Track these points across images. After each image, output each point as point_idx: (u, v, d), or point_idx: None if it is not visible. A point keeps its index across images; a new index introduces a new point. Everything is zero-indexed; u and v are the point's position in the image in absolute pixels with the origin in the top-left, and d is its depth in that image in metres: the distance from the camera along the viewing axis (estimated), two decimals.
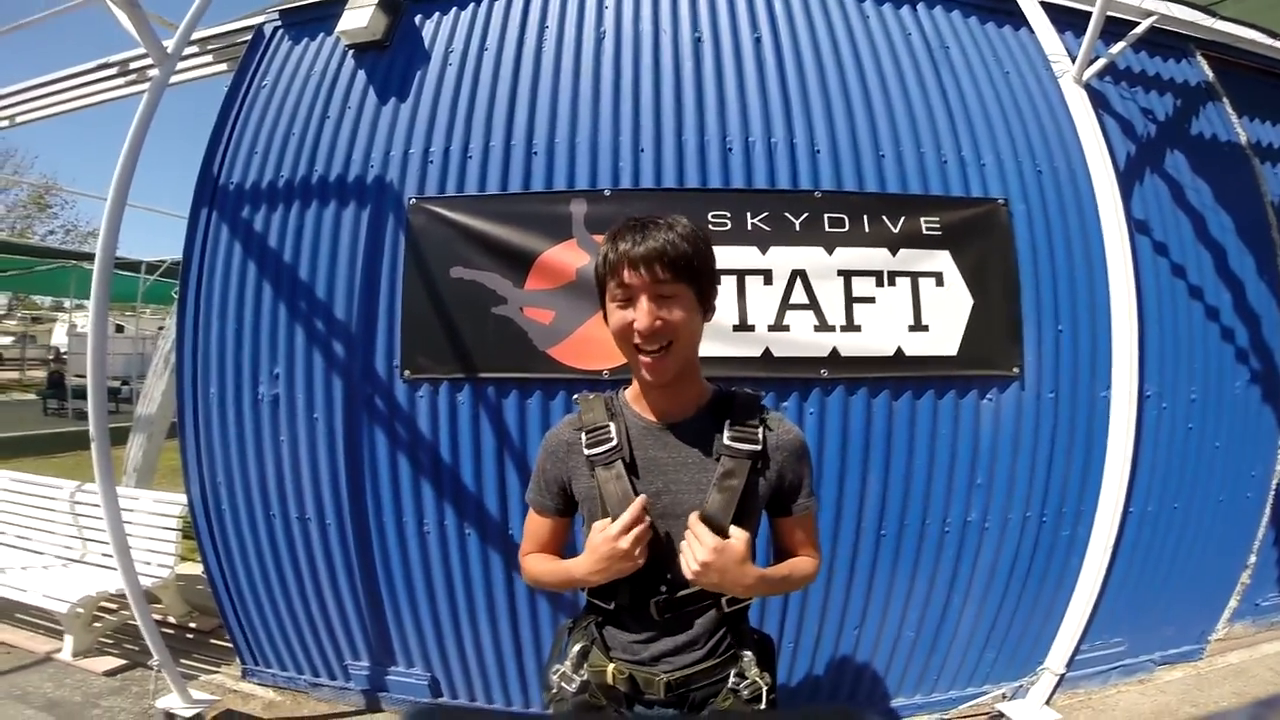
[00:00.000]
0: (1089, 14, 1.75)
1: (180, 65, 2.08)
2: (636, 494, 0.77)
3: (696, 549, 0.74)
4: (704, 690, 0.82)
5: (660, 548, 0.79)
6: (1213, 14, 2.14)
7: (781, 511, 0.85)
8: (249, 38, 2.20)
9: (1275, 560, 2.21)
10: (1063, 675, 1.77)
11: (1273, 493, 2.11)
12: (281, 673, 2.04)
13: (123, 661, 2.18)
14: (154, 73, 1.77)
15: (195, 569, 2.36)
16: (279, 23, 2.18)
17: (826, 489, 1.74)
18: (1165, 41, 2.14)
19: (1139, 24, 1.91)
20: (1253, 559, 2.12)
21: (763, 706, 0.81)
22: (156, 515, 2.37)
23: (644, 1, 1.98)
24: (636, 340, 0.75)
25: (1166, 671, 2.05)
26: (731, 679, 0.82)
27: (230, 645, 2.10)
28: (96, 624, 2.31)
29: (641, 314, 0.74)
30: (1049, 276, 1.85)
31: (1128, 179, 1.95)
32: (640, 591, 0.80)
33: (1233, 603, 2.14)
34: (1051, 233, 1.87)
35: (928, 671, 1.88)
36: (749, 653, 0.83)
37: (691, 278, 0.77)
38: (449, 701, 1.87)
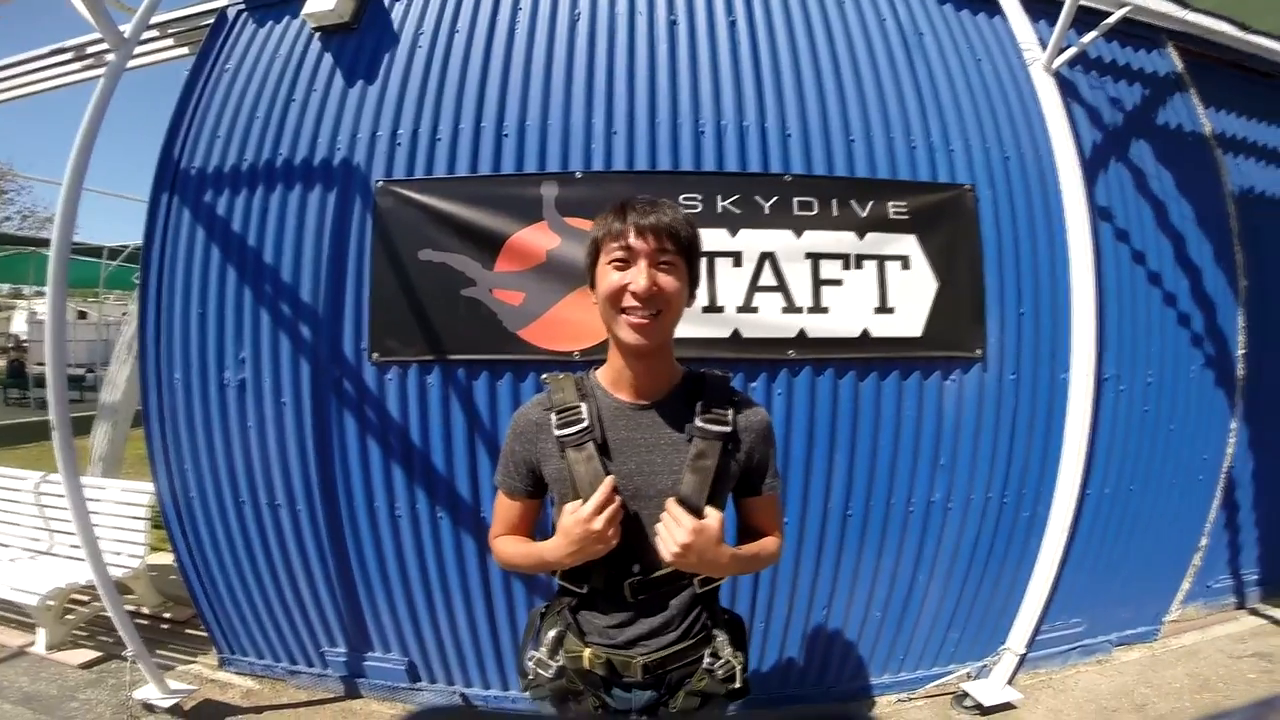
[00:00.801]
0: (1063, 2, 1.76)
1: (139, 49, 2.02)
2: (608, 474, 0.77)
3: (676, 531, 0.74)
4: (680, 671, 0.83)
5: (633, 529, 0.79)
6: (1185, 5, 2.17)
7: (750, 492, 0.86)
8: (211, 21, 2.14)
9: (1226, 543, 2.29)
10: (1024, 655, 1.82)
11: (1223, 476, 2.18)
12: (259, 661, 2.04)
13: (98, 653, 2.15)
14: (111, 57, 1.72)
15: (167, 558, 2.34)
16: (242, 5, 2.12)
17: (794, 469, 1.77)
18: (1137, 32, 2.17)
19: (1112, 13, 1.93)
20: (1204, 541, 2.20)
21: (737, 685, 0.83)
22: (124, 505, 2.33)
23: None
24: (628, 303, 0.75)
25: (1124, 652, 2.12)
26: (706, 659, 0.83)
27: (206, 635, 2.09)
28: (69, 616, 2.28)
29: (641, 275, 0.75)
30: (1013, 260, 1.88)
31: (1093, 167, 1.98)
32: (614, 574, 0.81)
33: (1185, 585, 2.22)
34: (1016, 218, 1.90)
35: (895, 651, 1.93)
36: (722, 633, 0.85)
37: (689, 257, 0.79)
38: (450, 704, 1.88)
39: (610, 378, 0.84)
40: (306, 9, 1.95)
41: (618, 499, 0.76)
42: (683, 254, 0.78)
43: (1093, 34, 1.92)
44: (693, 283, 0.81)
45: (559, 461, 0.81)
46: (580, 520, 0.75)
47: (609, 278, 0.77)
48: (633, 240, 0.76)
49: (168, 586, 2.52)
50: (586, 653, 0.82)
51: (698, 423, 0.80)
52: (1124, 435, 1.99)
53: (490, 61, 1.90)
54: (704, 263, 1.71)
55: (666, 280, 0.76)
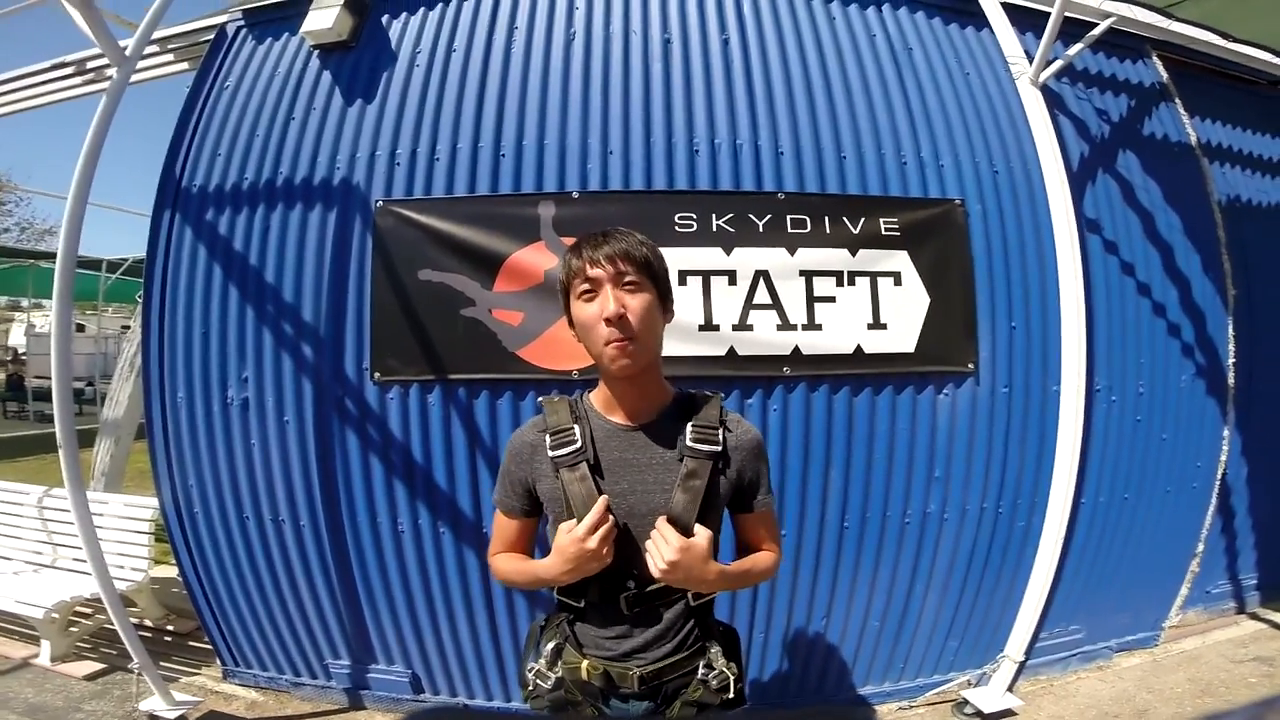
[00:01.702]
0: (1049, 15, 1.78)
1: (140, 64, 2.04)
2: (601, 494, 0.80)
3: (663, 549, 0.77)
4: (675, 682, 0.85)
5: (627, 546, 0.81)
6: (1169, 15, 2.20)
7: (742, 509, 0.89)
8: (211, 37, 2.16)
9: (1223, 549, 2.30)
10: (1023, 662, 1.84)
11: (1218, 483, 2.19)
12: (263, 673, 2.05)
13: (102, 665, 2.17)
14: (112, 73, 1.74)
15: (169, 572, 2.36)
16: (242, 22, 2.14)
17: (790, 484, 1.79)
18: (1122, 43, 2.19)
19: (1097, 25, 1.96)
20: (1201, 547, 2.21)
21: (730, 695, 0.85)
22: (127, 519, 2.35)
23: (614, 3, 1.98)
24: (603, 331, 0.77)
25: (1124, 658, 2.13)
26: (700, 670, 0.85)
27: (210, 647, 2.11)
28: (73, 628, 2.30)
29: (608, 300, 0.77)
30: (1003, 274, 1.91)
31: (1080, 179, 2.01)
32: (609, 588, 0.83)
33: (1184, 590, 2.22)
34: (1006, 232, 1.93)
35: (894, 660, 1.95)
36: (716, 645, 0.87)
37: (651, 276, 0.81)
38: (450, 703, 1.90)
39: (602, 401, 0.87)
40: (305, 26, 1.97)
41: (611, 518, 0.79)
42: (643, 272, 0.80)
43: (1078, 46, 1.95)
44: (663, 298, 0.84)
45: (553, 481, 0.84)
46: (576, 539, 0.77)
47: (582, 312, 0.80)
48: (591, 271, 0.79)
49: (170, 599, 2.53)
50: (584, 664, 0.84)
51: (688, 442, 0.82)
52: (1116, 445, 2.01)
53: (487, 81, 1.92)
54: (700, 281, 1.75)
55: (634, 301, 0.78)
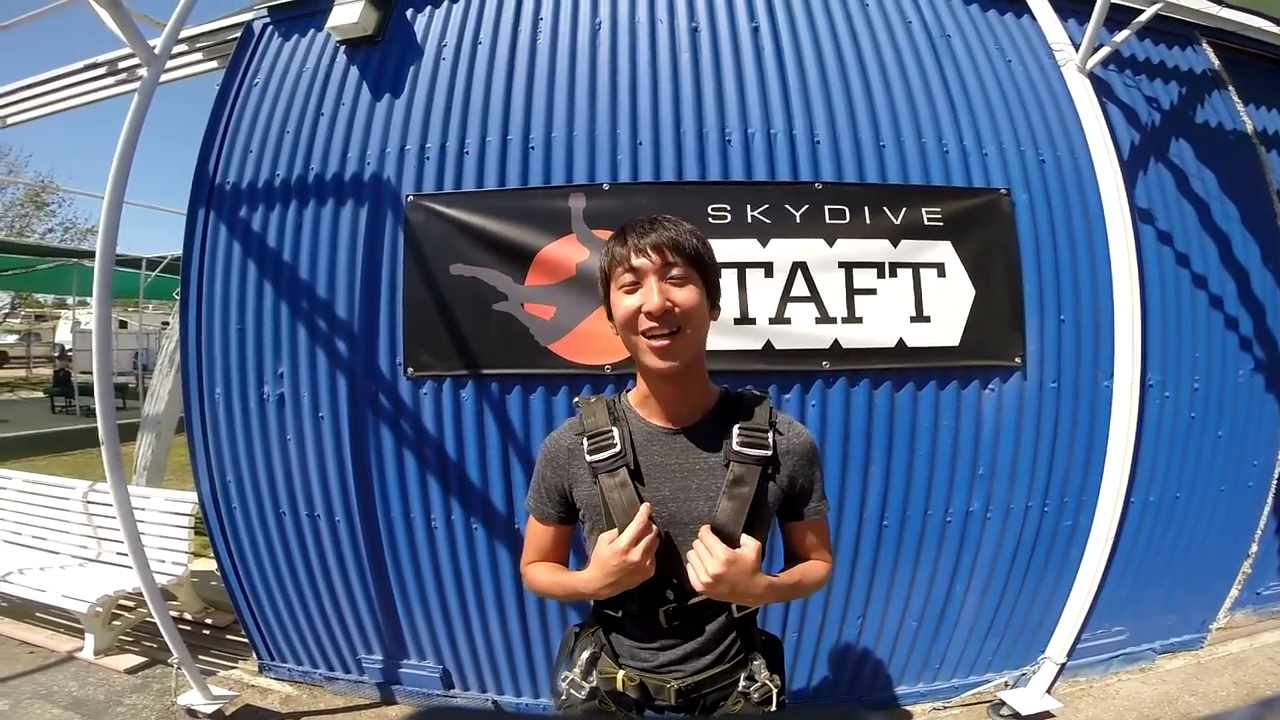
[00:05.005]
0: (1093, 1, 1.72)
1: (170, 63, 2.06)
2: (642, 501, 0.76)
3: (708, 561, 0.72)
4: (715, 695, 0.82)
5: (668, 556, 0.77)
6: (1219, 1, 2.10)
7: (793, 516, 0.84)
8: (238, 35, 2.17)
9: (1277, 549, 2.21)
10: (1064, 664, 1.79)
11: (1275, 482, 2.10)
12: (297, 667, 2.08)
13: (143, 659, 2.22)
14: (143, 72, 1.75)
15: (209, 565, 2.40)
16: (268, 19, 2.15)
17: (829, 481, 1.72)
18: (1170, 29, 2.10)
19: (1143, 11, 1.87)
20: (1254, 548, 2.13)
21: (773, 708, 0.81)
22: (168, 514, 2.40)
23: None
24: (644, 326, 0.73)
25: (1168, 660, 2.07)
26: (742, 683, 0.82)
27: (246, 641, 2.14)
28: (116, 622, 2.35)
29: (652, 293, 0.72)
30: (1051, 266, 1.84)
31: (1131, 168, 1.92)
32: (649, 600, 0.79)
33: (1234, 592, 2.15)
34: (1054, 222, 1.86)
35: (930, 660, 1.91)
36: (759, 657, 0.83)
37: (700, 268, 0.76)
38: (456, 704, 1.90)
39: (641, 401, 0.82)
40: (331, 22, 1.97)
41: (654, 528, 0.75)
42: (692, 265, 0.75)
43: (1125, 32, 1.87)
44: (711, 294, 0.78)
45: (591, 487, 0.80)
46: (617, 551, 0.73)
47: (622, 304, 0.75)
48: (636, 261, 0.74)
49: (209, 592, 2.58)
50: (620, 675, 0.82)
51: (735, 446, 0.78)
52: (1169, 442, 1.93)
53: (514, 73, 1.90)
54: (735, 273, 1.71)
55: (680, 295, 0.73)
